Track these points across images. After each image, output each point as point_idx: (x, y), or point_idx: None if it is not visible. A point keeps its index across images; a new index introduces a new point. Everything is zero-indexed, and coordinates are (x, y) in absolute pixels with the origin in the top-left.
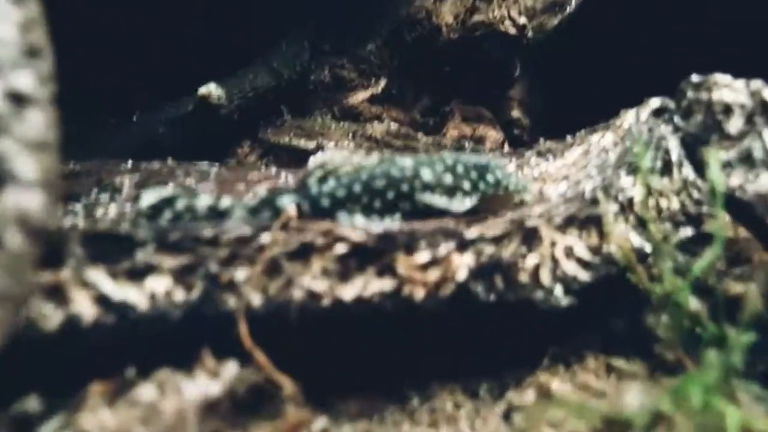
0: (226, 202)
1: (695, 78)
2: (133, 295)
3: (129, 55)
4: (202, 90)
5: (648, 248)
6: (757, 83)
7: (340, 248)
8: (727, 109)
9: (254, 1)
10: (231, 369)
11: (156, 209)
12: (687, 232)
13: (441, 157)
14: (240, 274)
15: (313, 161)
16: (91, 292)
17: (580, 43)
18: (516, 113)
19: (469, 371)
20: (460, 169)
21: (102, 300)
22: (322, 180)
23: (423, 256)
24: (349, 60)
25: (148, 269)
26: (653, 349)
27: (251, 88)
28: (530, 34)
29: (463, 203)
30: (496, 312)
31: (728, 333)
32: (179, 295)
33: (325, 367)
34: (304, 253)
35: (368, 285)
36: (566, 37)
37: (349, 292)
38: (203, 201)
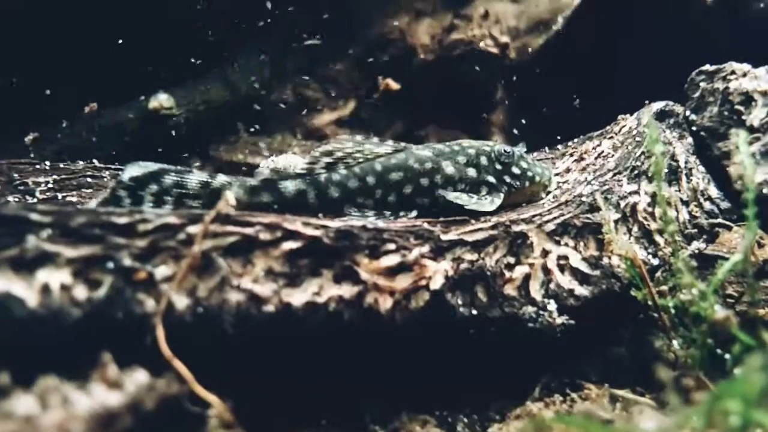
0: (222, 178)
1: (708, 67)
2: (19, 288)
3: (59, 60)
4: (153, 103)
5: (654, 261)
6: None
7: (290, 245)
8: (748, 99)
9: (209, 10)
10: (137, 378)
11: (139, 183)
12: (698, 245)
13: (462, 147)
14: (161, 270)
15: (266, 164)
16: None
17: (566, 64)
18: (497, 139)
19: (444, 399)
20: (483, 160)
21: None
22: (331, 167)
23: (391, 259)
24: (315, 80)
25: (42, 259)
26: (662, 376)
27: (202, 100)
28: (513, 54)
29: (491, 203)
30: (478, 330)
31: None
32: (80, 291)
33: (266, 386)
34: (244, 250)
35: (323, 290)
36: (552, 58)
37: (299, 297)
38: (195, 177)
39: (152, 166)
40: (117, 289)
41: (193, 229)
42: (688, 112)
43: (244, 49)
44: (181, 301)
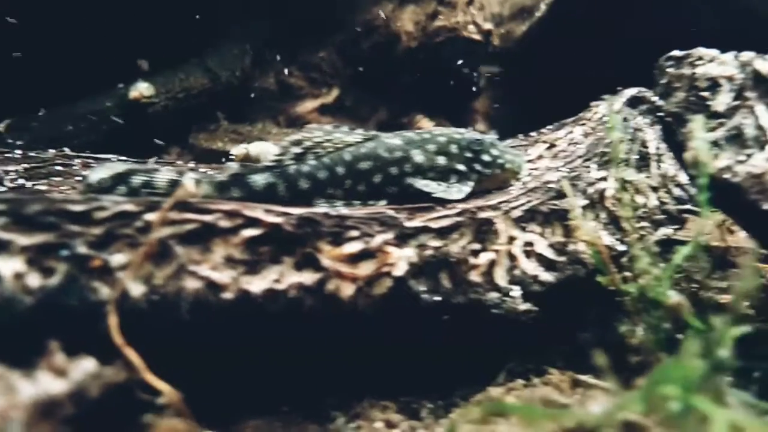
0: (190, 176)
1: (676, 52)
2: None
3: (36, 48)
4: (133, 92)
5: (621, 247)
6: (748, 54)
7: (250, 232)
8: (714, 84)
9: None
10: (84, 366)
11: (107, 185)
12: (666, 231)
13: (433, 135)
14: (117, 258)
15: (237, 151)
16: None
17: (550, 50)
18: (480, 126)
19: (409, 386)
20: (453, 149)
21: None
22: (300, 157)
23: (353, 246)
24: (298, 67)
25: None
26: (626, 362)
27: (181, 88)
28: (496, 41)
29: (459, 191)
30: (442, 316)
31: (714, 323)
32: (33, 279)
33: (223, 374)
34: (202, 237)
35: (284, 277)
36: (535, 44)
37: (258, 284)
38: (164, 176)
39: (119, 167)
40: (71, 276)
41: (150, 216)
42: (656, 98)
43: (225, 36)
44: (137, 289)
